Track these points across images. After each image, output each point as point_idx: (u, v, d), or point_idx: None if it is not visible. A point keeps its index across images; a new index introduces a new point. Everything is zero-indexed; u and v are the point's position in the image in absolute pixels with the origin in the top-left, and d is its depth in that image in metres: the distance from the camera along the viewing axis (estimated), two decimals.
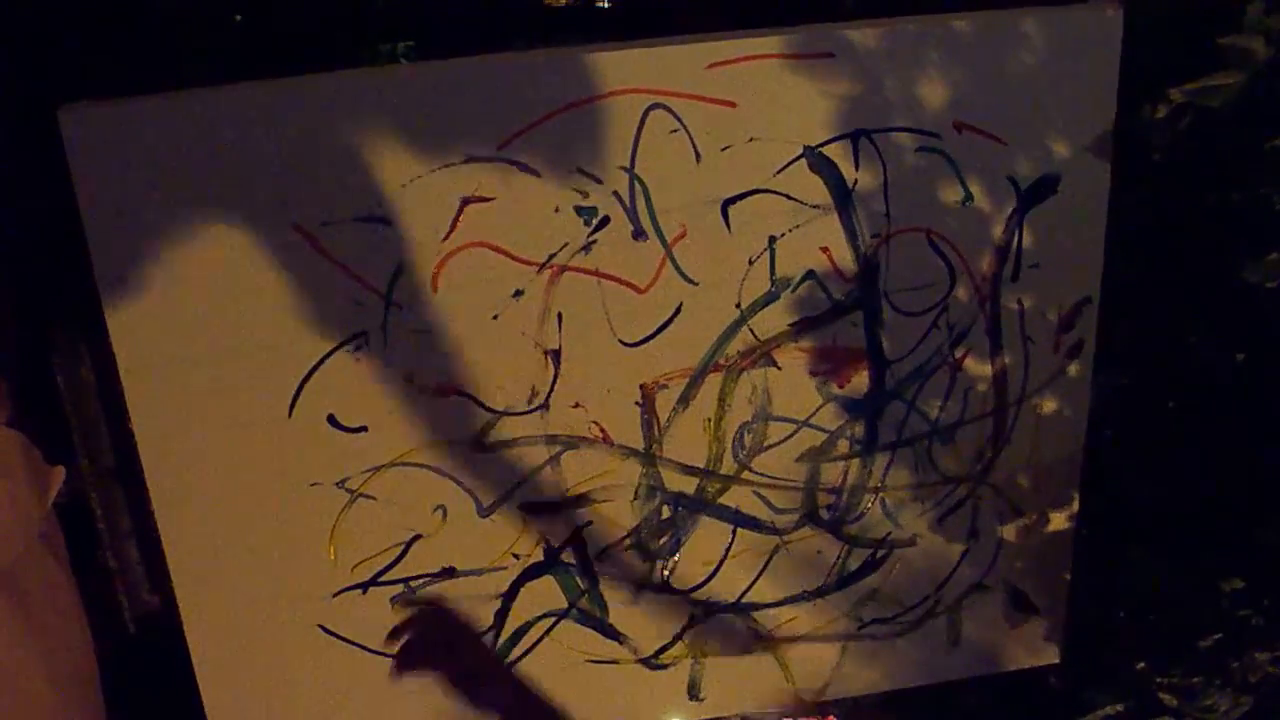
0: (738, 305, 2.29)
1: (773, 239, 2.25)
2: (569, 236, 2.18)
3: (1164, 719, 2.66)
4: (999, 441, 2.53)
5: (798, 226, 2.25)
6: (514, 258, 2.17)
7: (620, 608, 2.51)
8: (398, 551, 2.36)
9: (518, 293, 2.20)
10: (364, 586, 2.37)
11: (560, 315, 2.23)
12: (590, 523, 2.42)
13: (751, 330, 2.31)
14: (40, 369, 2.25)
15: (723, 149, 2.16)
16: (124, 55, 2.20)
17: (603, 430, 2.34)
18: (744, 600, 2.55)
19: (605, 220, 2.18)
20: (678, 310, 2.26)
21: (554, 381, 2.28)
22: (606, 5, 2.46)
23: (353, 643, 2.41)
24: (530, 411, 2.30)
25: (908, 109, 2.20)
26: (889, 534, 2.56)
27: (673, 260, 2.23)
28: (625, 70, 2.09)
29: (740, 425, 2.39)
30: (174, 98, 2.02)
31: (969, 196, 2.28)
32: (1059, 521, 2.61)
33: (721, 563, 2.51)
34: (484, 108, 2.07)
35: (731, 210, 2.21)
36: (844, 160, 2.21)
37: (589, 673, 2.54)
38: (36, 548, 2.30)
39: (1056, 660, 2.74)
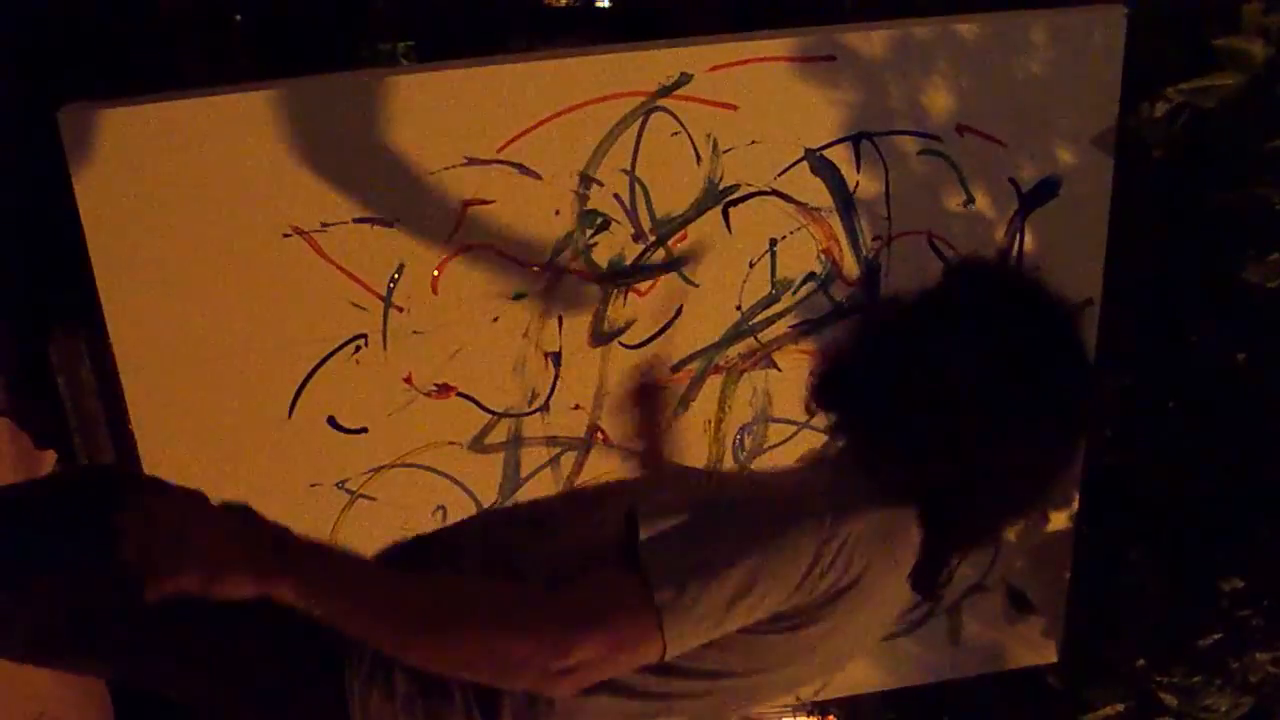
0: (738, 307, 2.29)
1: (774, 241, 2.24)
2: (570, 239, 2.17)
3: (1164, 719, 2.67)
4: None
5: (799, 229, 2.24)
6: (514, 260, 2.17)
7: None
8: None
9: (518, 295, 2.19)
10: None
11: (560, 317, 2.22)
12: None
13: (753, 332, 2.31)
14: (40, 368, 2.25)
15: (724, 151, 2.16)
16: (124, 55, 2.20)
17: (603, 432, 2.34)
18: None
19: (606, 222, 2.17)
20: (678, 312, 2.26)
21: (554, 383, 2.28)
22: (607, 5, 2.46)
23: None
24: (530, 413, 2.29)
25: (909, 112, 2.19)
26: None
27: (673, 263, 2.22)
28: (626, 72, 2.08)
29: (741, 427, 2.39)
30: (174, 99, 2.01)
31: (970, 199, 2.28)
32: (1058, 521, 2.60)
33: None
34: (485, 110, 2.06)
35: (732, 213, 2.20)
36: (845, 163, 2.21)
37: None
38: None
39: (1055, 659, 2.73)
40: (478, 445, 2.29)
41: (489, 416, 2.27)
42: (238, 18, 2.29)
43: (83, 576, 1.36)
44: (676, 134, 2.13)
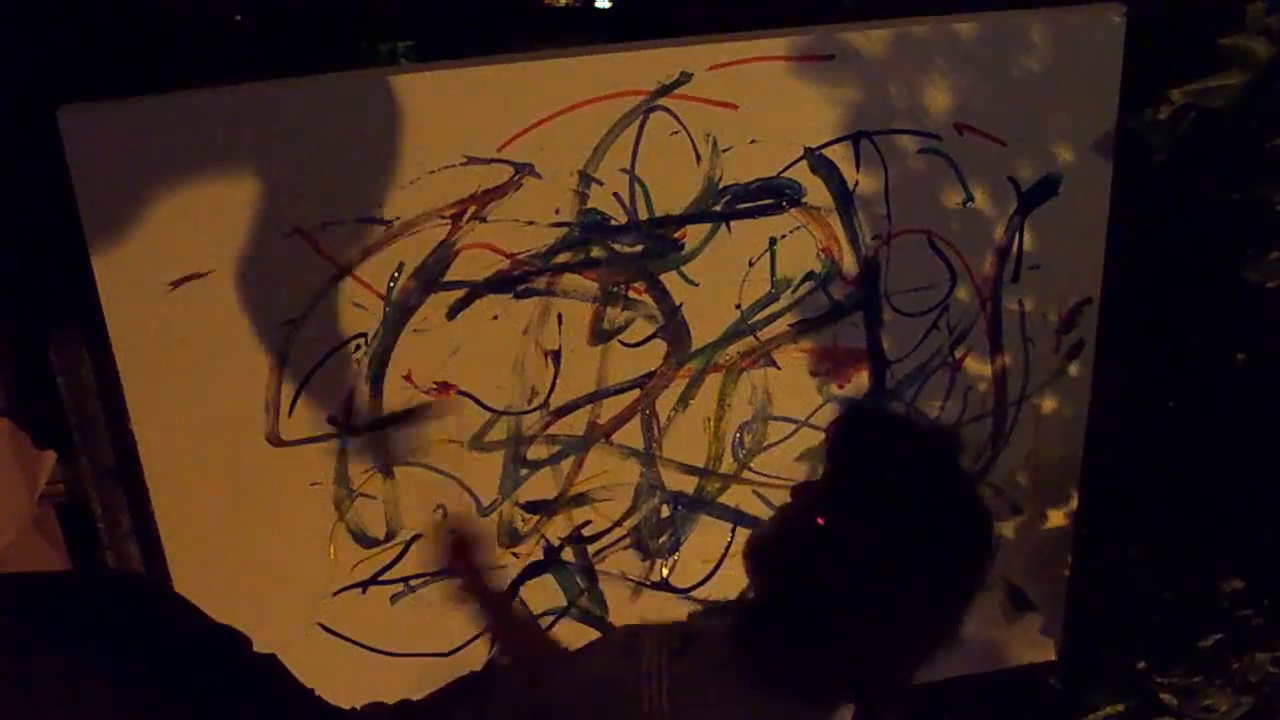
0: (738, 306, 2.29)
1: (773, 240, 2.25)
2: (569, 237, 2.18)
3: (1164, 719, 2.66)
4: (998, 441, 2.53)
5: (798, 227, 2.25)
6: (514, 258, 2.17)
7: (620, 606, 2.51)
8: (398, 550, 2.36)
9: (518, 293, 2.19)
10: (364, 586, 2.37)
11: (560, 315, 2.23)
12: (590, 521, 2.42)
13: (752, 331, 2.32)
14: (40, 369, 2.25)
15: (724, 150, 2.16)
16: (124, 55, 2.20)
17: (603, 430, 2.34)
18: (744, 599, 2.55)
19: (606, 221, 2.17)
20: (678, 311, 2.26)
21: (554, 381, 2.28)
22: (607, 5, 2.46)
23: (353, 641, 2.41)
24: (530, 411, 2.30)
25: (909, 111, 2.20)
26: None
27: (673, 261, 2.23)
28: (626, 72, 2.09)
29: (740, 425, 2.39)
30: (174, 98, 2.02)
31: (970, 198, 2.28)
32: (1058, 520, 2.61)
33: (721, 561, 2.51)
34: (485, 109, 2.07)
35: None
36: (845, 162, 2.22)
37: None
38: (31, 535, 2.30)
39: (1053, 657, 2.74)
40: (477, 443, 2.29)
41: (489, 415, 2.28)
42: (238, 17, 2.29)
43: None
44: (676, 133, 2.14)
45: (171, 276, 2.07)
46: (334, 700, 2.26)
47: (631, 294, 2.24)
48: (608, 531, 2.44)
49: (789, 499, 1.54)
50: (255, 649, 1.57)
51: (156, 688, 1.38)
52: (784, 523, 1.56)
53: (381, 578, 2.37)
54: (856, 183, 2.23)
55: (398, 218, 2.10)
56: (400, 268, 2.13)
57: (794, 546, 1.46)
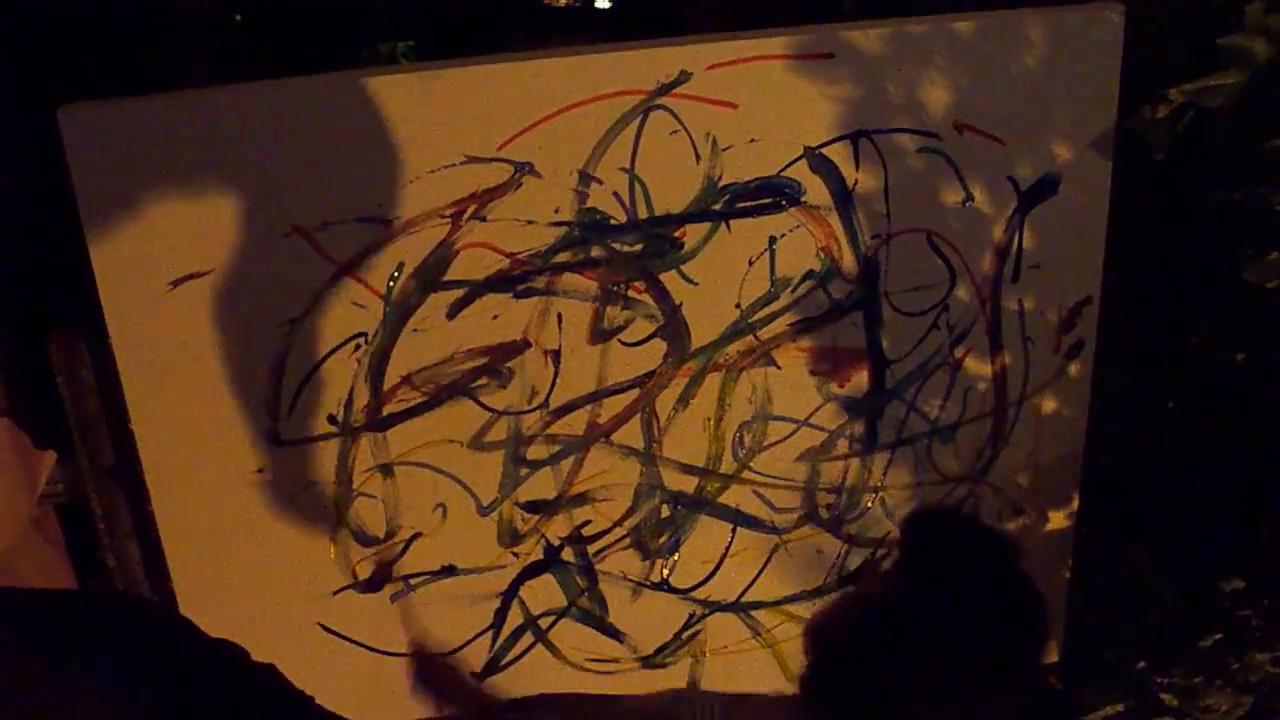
0: (737, 305, 2.29)
1: (772, 239, 2.25)
2: (569, 236, 2.18)
3: (1164, 719, 2.66)
4: (998, 441, 2.53)
5: (798, 227, 2.25)
6: (514, 258, 2.17)
7: (620, 606, 2.51)
8: (398, 550, 2.36)
9: (518, 293, 2.19)
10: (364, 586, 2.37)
11: (560, 315, 2.23)
12: (590, 521, 2.42)
13: (752, 330, 2.32)
14: (40, 369, 2.25)
15: (723, 149, 2.16)
16: (124, 55, 2.20)
17: (602, 430, 2.34)
18: (744, 599, 2.55)
19: (605, 220, 2.17)
20: (678, 310, 2.26)
21: (554, 381, 2.28)
22: (607, 5, 2.46)
23: (352, 640, 2.41)
24: (530, 411, 2.30)
25: (908, 110, 2.20)
26: (889, 533, 2.56)
27: (672, 260, 2.23)
28: (625, 71, 2.09)
29: (740, 425, 2.39)
30: (174, 98, 2.02)
31: (969, 197, 2.28)
32: (1059, 521, 2.61)
33: (721, 561, 2.50)
34: (484, 109, 2.07)
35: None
36: (844, 161, 2.21)
37: (588, 672, 2.54)
38: (31, 536, 2.31)
39: (1055, 659, 2.73)
40: (477, 444, 2.29)
41: (488, 415, 2.28)
42: (238, 18, 2.30)
43: None
44: (676, 132, 2.14)
45: (171, 276, 2.08)
46: (334, 702, 2.27)
47: (631, 293, 2.24)
48: (608, 531, 2.44)
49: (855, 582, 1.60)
50: (254, 657, 1.57)
51: (155, 702, 1.38)
52: (849, 604, 1.59)
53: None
54: (856, 182, 2.23)
55: (398, 217, 2.10)
56: (400, 267, 2.14)
57: (857, 628, 1.49)
